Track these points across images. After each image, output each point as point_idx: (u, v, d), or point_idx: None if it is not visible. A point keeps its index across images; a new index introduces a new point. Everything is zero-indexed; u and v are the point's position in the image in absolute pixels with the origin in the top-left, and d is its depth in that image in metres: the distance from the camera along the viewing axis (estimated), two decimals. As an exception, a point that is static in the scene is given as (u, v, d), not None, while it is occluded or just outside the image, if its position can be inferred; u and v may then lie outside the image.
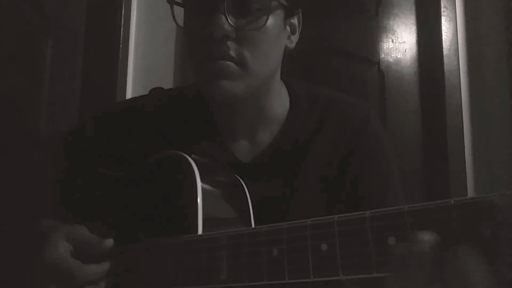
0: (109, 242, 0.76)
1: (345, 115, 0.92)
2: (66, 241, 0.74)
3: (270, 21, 0.79)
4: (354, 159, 0.88)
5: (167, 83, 1.92)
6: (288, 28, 0.87)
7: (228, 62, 0.78)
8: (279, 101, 0.93)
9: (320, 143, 0.89)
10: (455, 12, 2.03)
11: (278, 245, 0.53)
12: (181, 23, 0.84)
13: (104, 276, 0.75)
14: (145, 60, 2.05)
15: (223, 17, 0.75)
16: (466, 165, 1.93)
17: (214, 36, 0.76)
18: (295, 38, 0.90)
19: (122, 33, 1.99)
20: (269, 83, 0.88)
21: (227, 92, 0.79)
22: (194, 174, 0.73)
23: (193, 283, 0.62)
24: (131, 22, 2.05)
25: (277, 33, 0.82)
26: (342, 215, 0.48)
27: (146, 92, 1.05)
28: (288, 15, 0.85)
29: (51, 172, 0.95)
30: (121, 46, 1.99)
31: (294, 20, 0.89)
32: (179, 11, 0.85)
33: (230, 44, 0.78)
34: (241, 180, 0.83)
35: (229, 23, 0.76)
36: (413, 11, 2.15)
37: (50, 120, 1.85)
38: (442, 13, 2.02)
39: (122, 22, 2.00)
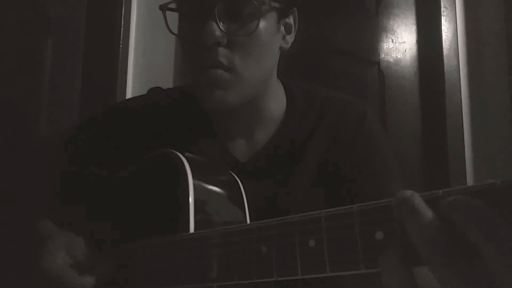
0: (108, 265, 0.75)
1: (341, 112, 0.92)
2: (66, 252, 0.73)
3: (262, 25, 0.78)
4: (350, 156, 0.88)
5: (167, 83, 1.92)
6: (282, 28, 0.86)
7: (219, 71, 0.78)
8: (276, 101, 0.93)
9: (317, 141, 0.89)
10: (455, 12, 2.02)
11: (267, 242, 0.52)
12: (175, 29, 0.84)
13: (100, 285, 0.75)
14: (145, 60, 2.05)
15: (214, 24, 0.75)
16: (466, 165, 1.92)
17: (206, 44, 0.76)
18: (290, 38, 0.89)
19: (122, 33, 2.00)
20: (265, 85, 0.88)
21: (221, 101, 0.79)
22: (186, 172, 0.72)
23: (184, 282, 0.62)
24: (131, 22, 2.05)
25: (270, 36, 0.82)
26: (330, 209, 0.48)
27: (145, 92, 1.05)
28: (281, 16, 0.84)
29: (49, 172, 0.95)
30: (121, 46, 1.99)
31: (289, 20, 0.88)
32: (174, 19, 0.85)
33: (221, 51, 0.77)
34: (236, 178, 0.83)
35: (220, 30, 0.76)
36: (413, 11, 2.14)
37: (50, 120, 1.85)
38: (442, 13, 2.02)
39: (122, 22, 2.00)
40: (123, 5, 2.01)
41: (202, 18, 0.76)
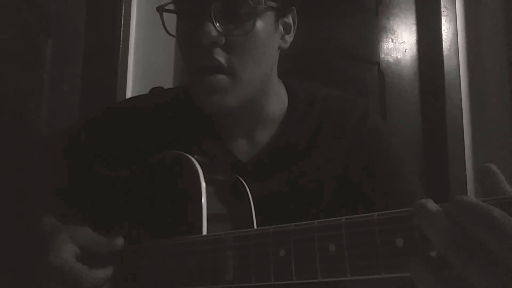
0: (120, 241, 0.74)
1: (343, 111, 0.92)
2: (72, 243, 0.72)
3: (260, 24, 0.79)
4: (358, 152, 0.88)
5: (167, 83, 1.92)
6: (281, 28, 0.86)
7: (218, 76, 0.78)
8: (277, 101, 0.93)
9: (321, 140, 0.89)
10: (455, 12, 2.03)
11: (285, 246, 0.53)
12: (174, 31, 0.84)
13: (110, 279, 0.74)
14: (145, 60, 2.05)
15: (210, 24, 0.75)
16: (466, 165, 1.93)
17: (203, 44, 0.76)
18: (289, 37, 0.89)
19: (122, 33, 2.00)
20: (265, 85, 0.88)
21: (220, 105, 0.80)
22: (198, 174, 0.73)
23: (198, 283, 0.62)
24: (131, 22, 2.05)
25: (268, 36, 0.82)
26: (350, 216, 0.49)
27: (146, 92, 1.05)
28: (279, 15, 0.84)
29: (52, 173, 0.95)
30: (121, 46, 1.99)
31: (288, 19, 0.88)
32: (173, 20, 0.85)
33: (219, 51, 0.77)
34: (242, 180, 0.83)
35: (217, 30, 0.76)
36: (413, 11, 2.15)
37: (50, 120, 1.85)
38: (442, 13, 2.02)
39: (122, 22, 2.00)
40: (123, 5, 2.01)
41: (199, 19, 0.76)
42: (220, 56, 0.77)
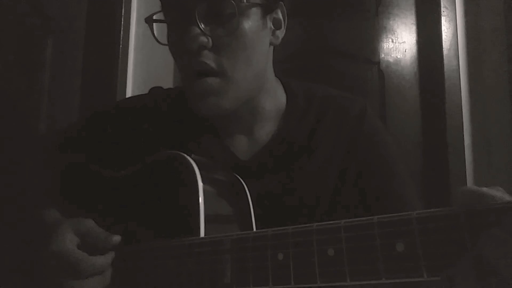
0: (117, 238, 0.74)
1: (342, 109, 0.92)
2: (74, 233, 0.73)
3: (245, 22, 0.78)
4: (355, 152, 0.88)
5: (167, 83, 1.92)
6: (270, 24, 0.86)
7: (210, 79, 0.78)
8: (275, 100, 0.93)
9: (319, 138, 0.89)
10: (455, 12, 2.02)
11: (284, 250, 0.52)
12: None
13: (109, 268, 0.74)
14: (145, 60, 2.05)
15: (196, 27, 0.76)
16: (466, 165, 1.93)
17: (191, 48, 0.76)
18: (280, 32, 0.89)
19: (122, 33, 1.99)
20: (260, 84, 0.88)
21: (215, 108, 0.80)
22: (195, 174, 0.72)
23: (196, 286, 0.62)
24: (131, 22, 2.05)
25: (256, 33, 0.81)
26: (349, 220, 0.48)
27: (146, 92, 1.05)
28: (266, 11, 0.83)
29: (50, 172, 0.95)
30: (121, 46, 1.99)
31: (277, 15, 0.87)
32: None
33: (207, 54, 0.77)
34: (240, 179, 0.83)
35: (203, 32, 0.76)
36: (413, 11, 2.14)
37: (50, 120, 1.85)
38: (442, 13, 2.02)
39: (122, 22, 2.00)
40: (123, 5, 2.01)
41: (185, 25, 0.77)
42: (209, 59, 0.77)
